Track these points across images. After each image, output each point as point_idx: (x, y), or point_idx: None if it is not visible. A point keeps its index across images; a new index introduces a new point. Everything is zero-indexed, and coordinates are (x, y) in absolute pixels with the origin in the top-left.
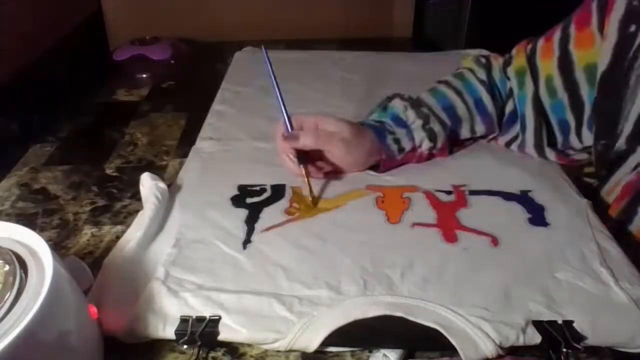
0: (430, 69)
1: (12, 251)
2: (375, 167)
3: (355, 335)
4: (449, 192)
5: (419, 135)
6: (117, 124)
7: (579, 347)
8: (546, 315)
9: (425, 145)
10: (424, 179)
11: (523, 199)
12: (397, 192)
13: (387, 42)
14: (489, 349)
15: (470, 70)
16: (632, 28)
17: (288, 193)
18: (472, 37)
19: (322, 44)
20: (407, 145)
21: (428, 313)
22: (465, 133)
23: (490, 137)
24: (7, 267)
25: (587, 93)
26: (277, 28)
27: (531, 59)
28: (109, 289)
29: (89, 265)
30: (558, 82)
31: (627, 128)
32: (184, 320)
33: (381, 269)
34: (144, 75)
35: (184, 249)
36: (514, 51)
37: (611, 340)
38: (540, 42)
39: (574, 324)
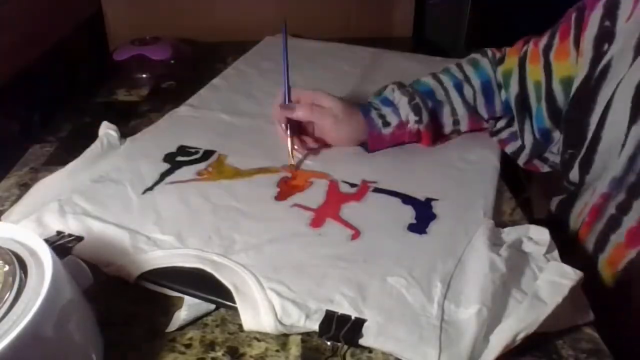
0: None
1: (11, 251)
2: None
3: (180, 280)
4: (353, 185)
5: (405, 110)
6: (117, 124)
7: (358, 344)
8: (345, 309)
9: (412, 118)
10: (340, 169)
11: (422, 205)
12: (306, 175)
13: (387, 42)
14: (268, 322)
15: (457, 65)
16: (605, 47)
17: (213, 158)
18: (472, 37)
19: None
20: (393, 120)
21: (233, 274)
22: (445, 112)
23: (484, 125)
24: (6, 268)
25: (562, 104)
26: (277, 28)
27: (522, 62)
28: (23, 202)
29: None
30: (543, 89)
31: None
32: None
33: (233, 233)
34: (144, 75)
35: (99, 183)
36: (508, 50)
37: (394, 349)
38: (531, 46)
39: (365, 324)
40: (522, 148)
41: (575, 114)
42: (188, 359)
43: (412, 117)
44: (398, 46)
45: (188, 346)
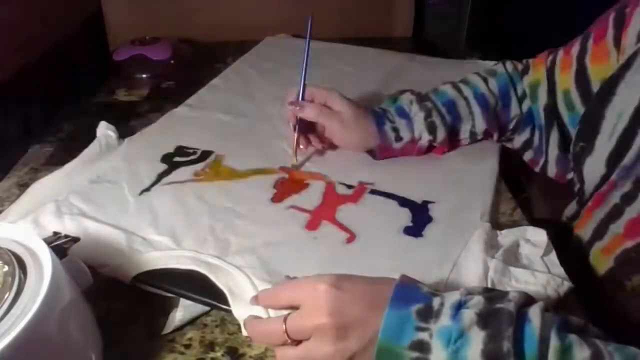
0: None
1: (11, 252)
2: (374, 153)
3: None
4: (350, 187)
5: (419, 127)
6: (116, 124)
7: None
8: None
9: (425, 137)
10: (337, 171)
11: (418, 208)
12: (303, 177)
13: (387, 42)
14: None
15: (476, 73)
16: None
17: (211, 158)
18: (472, 37)
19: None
20: (406, 136)
21: (228, 277)
22: (465, 128)
23: (500, 137)
24: (6, 268)
25: None
26: (277, 28)
27: (550, 73)
28: (20, 203)
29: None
30: (575, 95)
31: (608, 145)
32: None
33: (228, 235)
34: (144, 75)
35: (96, 184)
36: (532, 61)
37: None
38: (560, 55)
39: None
40: (546, 163)
41: (593, 106)
42: (188, 359)
43: (426, 136)
44: (398, 46)
45: (187, 346)
